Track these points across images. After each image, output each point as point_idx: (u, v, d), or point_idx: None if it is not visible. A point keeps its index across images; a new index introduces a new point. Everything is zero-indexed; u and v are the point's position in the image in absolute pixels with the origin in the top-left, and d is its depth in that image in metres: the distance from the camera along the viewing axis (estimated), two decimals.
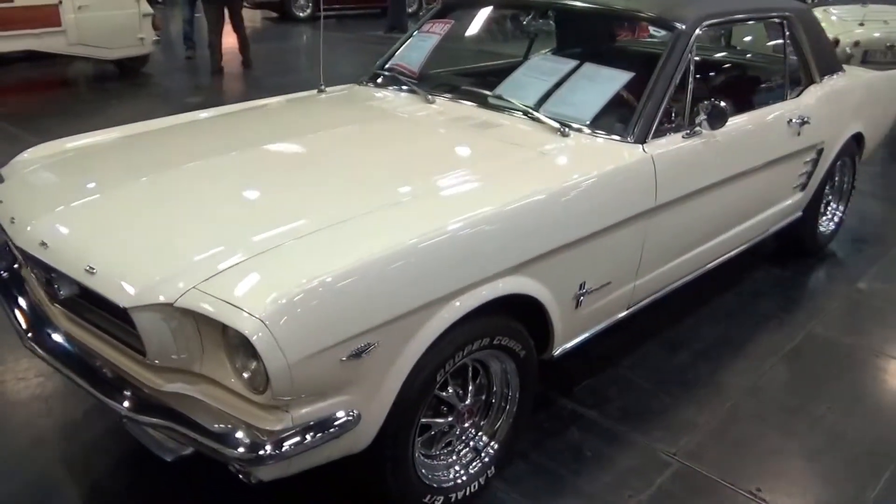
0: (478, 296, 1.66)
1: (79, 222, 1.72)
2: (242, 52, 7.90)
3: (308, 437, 1.44)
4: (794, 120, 2.79)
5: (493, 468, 1.94)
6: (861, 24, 6.36)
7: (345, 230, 1.58)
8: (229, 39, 7.79)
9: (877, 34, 6.22)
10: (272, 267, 1.46)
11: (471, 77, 2.93)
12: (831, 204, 3.62)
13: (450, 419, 1.85)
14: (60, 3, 6.35)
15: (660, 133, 2.20)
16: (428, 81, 2.63)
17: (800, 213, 3.23)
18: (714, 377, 2.55)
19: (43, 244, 1.65)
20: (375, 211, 1.66)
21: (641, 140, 2.12)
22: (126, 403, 1.60)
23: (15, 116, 5.77)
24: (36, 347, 1.80)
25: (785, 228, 3.19)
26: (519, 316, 1.87)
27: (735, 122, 2.48)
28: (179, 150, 2.15)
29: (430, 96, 2.47)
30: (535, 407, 2.20)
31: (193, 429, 1.49)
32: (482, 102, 2.40)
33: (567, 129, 2.14)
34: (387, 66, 2.78)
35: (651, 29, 2.93)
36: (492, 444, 1.95)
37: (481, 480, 1.92)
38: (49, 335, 1.82)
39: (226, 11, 7.44)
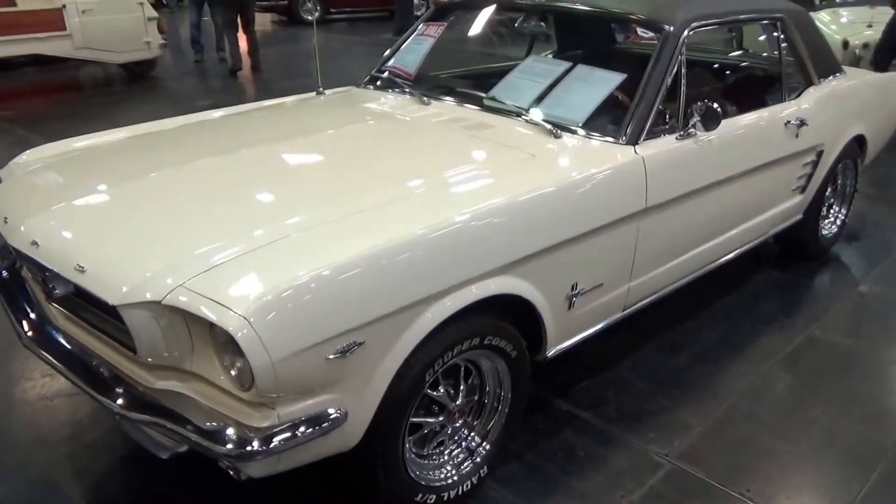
0: (465, 296, 1.68)
1: (70, 221, 1.75)
2: (252, 55, 7.97)
3: (295, 433, 1.45)
4: (791, 122, 2.78)
5: (485, 468, 1.95)
6: (870, 26, 6.33)
7: (333, 230, 1.60)
8: (240, 43, 7.88)
9: None
10: (259, 265, 1.48)
11: (466, 79, 2.95)
12: (833, 207, 3.59)
13: (441, 419, 1.86)
14: (64, 6, 6.44)
15: (653, 134, 2.20)
16: (424, 83, 2.65)
17: (800, 216, 3.21)
18: (711, 379, 2.55)
19: (34, 243, 1.68)
20: (363, 211, 1.68)
21: (633, 141, 2.13)
22: (120, 401, 1.62)
23: (23, 119, 5.87)
24: (33, 346, 1.83)
25: (786, 231, 3.17)
26: (511, 316, 1.88)
27: (730, 123, 2.48)
28: (173, 151, 2.19)
29: (425, 98, 2.49)
30: (530, 408, 2.21)
31: (183, 426, 1.51)
32: (477, 104, 2.42)
33: (559, 131, 2.15)
34: (384, 68, 2.80)
35: (639, 31, 2.93)
36: (484, 444, 1.96)
37: (474, 480, 1.93)
38: (46, 334, 1.85)
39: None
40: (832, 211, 3.58)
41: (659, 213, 2.19)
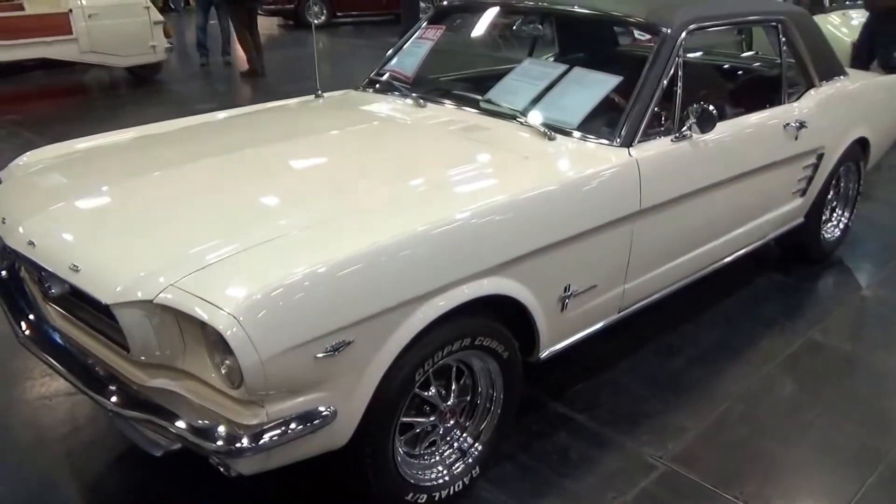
0: (456, 296, 1.68)
1: (67, 222, 1.78)
2: (257, 58, 8.04)
3: (283, 431, 1.47)
4: (790, 124, 2.77)
5: (477, 468, 1.95)
6: None
7: (323, 230, 1.62)
8: (245, 46, 7.94)
9: None
10: (251, 264, 1.50)
11: (464, 82, 2.96)
12: (836, 210, 3.57)
13: (432, 419, 1.87)
14: (71, 11, 6.51)
15: (648, 136, 2.20)
16: (422, 86, 2.66)
17: (801, 220, 3.20)
18: (708, 382, 2.54)
19: (31, 243, 1.70)
20: (354, 211, 1.69)
21: (628, 143, 2.13)
22: (113, 399, 1.64)
23: (30, 122, 5.93)
24: (29, 344, 1.86)
25: (787, 234, 3.16)
26: (503, 317, 1.89)
27: (727, 125, 2.48)
28: (171, 153, 2.21)
29: (421, 101, 2.50)
30: (524, 409, 2.22)
31: (174, 423, 1.52)
32: (473, 107, 2.43)
33: (554, 133, 2.15)
34: (382, 71, 2.82)
35: (636, 34, 2.93)
36: (476, 444, 1.96)
37: (465, 480, 1.93)
38: (43, 333, 1.88)
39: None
40: (835, 214, 3.56)
41: (654, 215, 2.19)
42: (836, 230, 3.56)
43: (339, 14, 12.76)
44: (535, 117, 2.25)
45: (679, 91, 2.27)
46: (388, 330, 1.58)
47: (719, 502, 1.98)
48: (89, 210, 1.84)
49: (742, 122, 2.62)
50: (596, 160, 2.06)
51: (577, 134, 2.18)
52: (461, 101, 2.49)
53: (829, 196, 3.37)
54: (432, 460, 1.90)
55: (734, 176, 2.52)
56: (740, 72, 3.52)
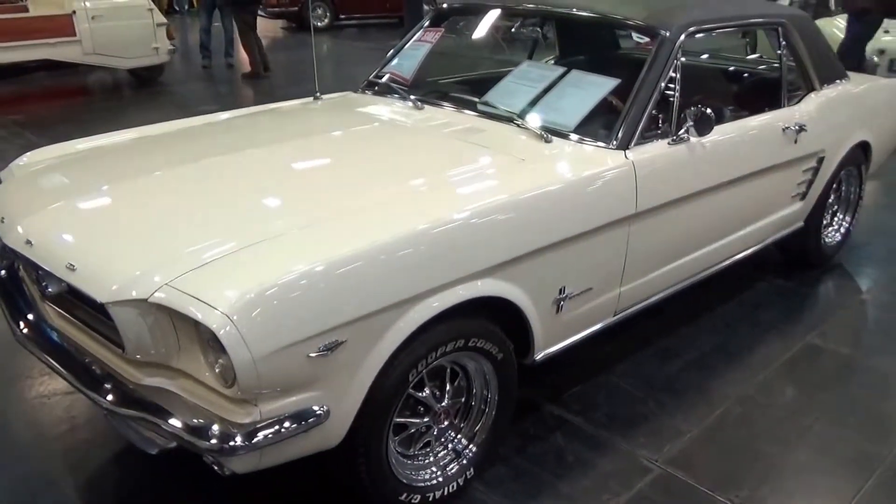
0: (450, 297, 1.69)
1: (65, 221, 1.79)
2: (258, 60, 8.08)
3: (276, 430, 1.47)
4: (790, 127, 2.76)
5: (471, 470, 1.95)
6: (886, 32, 6.27)
7: (318, 230, 1.63)
8: (246, 47, 7.97)
9: None
10: (245, 264, 1.51)
11: (463, 84, 2.96)
12: (837, 214, 3.56)
13: (426, 420, 1.87)
14: (74, 13, 6.54)
15: (646, 139, 2.20)
16: (420, 89, 2.67)
17: (801, 224, 3.19)
18: (705, 386, 2.53)
19: (28, 242, 1.72)
20: (349, 212, 1.70)
21: (624, 146, 2.13)
22: (109, 397, 1.65)
23: (32, 123, 5.96)
24: (27, 342, 1.87)
25: (787, 238, 3.15)
26: (499, 319, 1.89)
27: (725, 128, 2.48)
28: (169, 154, 2.22)
29: (419, 103, 2.51)
30: (520, 412, 2.22)
31: (168, 421, 1.53)
32: (470, 109, 2.43)
33: (550, 136, 2.15)
34: (381, 73, 2.82)
35: (634, 36, 2.94)
36: (471, 446, 1.96)
37: (460, 481, 1.93)
38: (40, 331, 1.89)
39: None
40: (836, 219, 3.55)
41: (650, 218, 2.19)
42: (837, 235, 3.55)
43: (342, 17, 12.79)
44: (532, 120, 2.25)
45: (677, 94, 2.27)
46: (382, 330, 1.59)
47: None
48: (88, 209, 1.86)
49: (740, 126, 2.61)
50: (592, 163, 2.06)
51: (573, 136, 2.18)
52: (459, 104, 2.50)
53: (830, 200, 3.36)
54: (426, 461, 1.90)
55: (732, 179, 2.51)
56: (740, 75, 3.52)
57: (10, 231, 1.80)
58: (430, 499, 1.87)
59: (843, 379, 2.66)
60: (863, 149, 3.37)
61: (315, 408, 1.52)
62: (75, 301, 1.77)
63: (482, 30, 3.01)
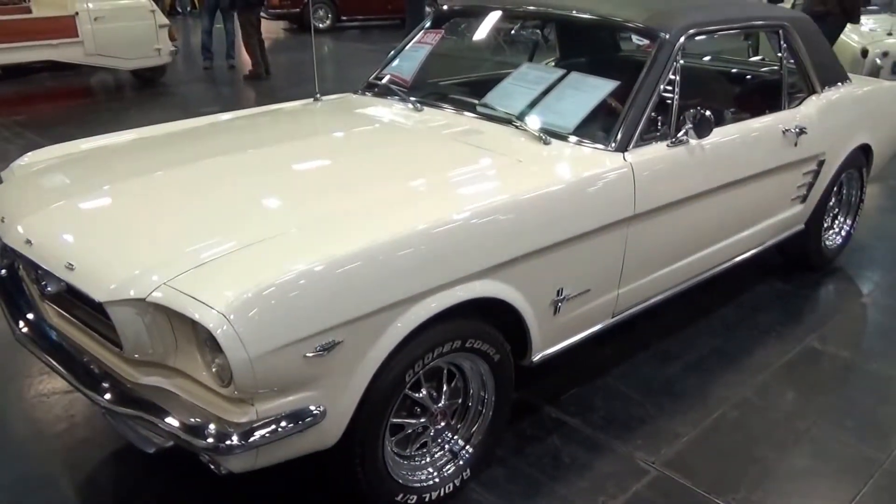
0: (447, 298, 1.69)
1: (65, 221, 1.79)
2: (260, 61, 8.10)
3: (273, 429, 1.48)
4: (790, 130, 2.76)
5: (468, 471, 1.96)
6: (890, 34, 6.26)
7: (316, 231, 1.63)
8: (249, 49, 7.99)
9: None
10: (243, 263, 1.51)
11: (463, 86, 2.97)
12: (838, 217, 3.56)
13: (423, 420, 1.87)
14: (77, 14, 6.56)
15: (645, 141, 2.20)
16: (419, 90, 2.68)
17: (801, 226, 3.19)
18: (703, 389, 2.53)
19: (28, 242, 1.72)
20: (347, 212, 1.71)
21: (623, 148, 2.13)
22: (107, 396, 1.66)
23: (34, 123, 5.98)
24: (25, 341, 1.88)
25: (787, 241, 3.14)
26: (496, 320, 1.89)
27: (724, 131, 2.48)
28: (170, 154, 2.23)
29: (418, 105, 2.52)
30: (518, 413, 2.22)
31: (165, 420, 1.54)
32: (469, 111, 2.44)
33: (548, 138, 2.16)
34: (381, 75, 2.83)
35: (634, 38, 2.94)
36: (467, 447, 1.97)
37: (456, 482, 1.93)
38: (39, 330, 1.90)
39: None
40: (836, 222, 3.55)
41: (649, 220, 2.19)
42: (838, 237, 3.54)
43: (344, 18, 12.80)
44: (531, 121, 2.26)
45: (676, 96, 2.27)
46: (378, 331, 1.59)
47: None
48: (88, 209, 1.86)
49: (740, 128, 2.61)
50: (590, 164, 2.07)
51: (572, 138, 2.18)
52: (458, 105, 2.50)
53: (831, 203, 3.36)
54: (423, 462, 1.91)
55: (731, 182, 2.51)
56: (740, 77, 3.52)
57: (10, 230, 1.81)
58: (427, 499, 1.87)
59: (842, 382, 2.66)
60: (864, 152, 3.36)
61: (311, 408, 1.53)
62: (74, 300, 1.78)
63: (483, 31, 3.01)
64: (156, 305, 1.48)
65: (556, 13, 2.78)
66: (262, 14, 8.07)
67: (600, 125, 2.26)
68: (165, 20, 7.29)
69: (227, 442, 1.45)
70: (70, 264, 1.61)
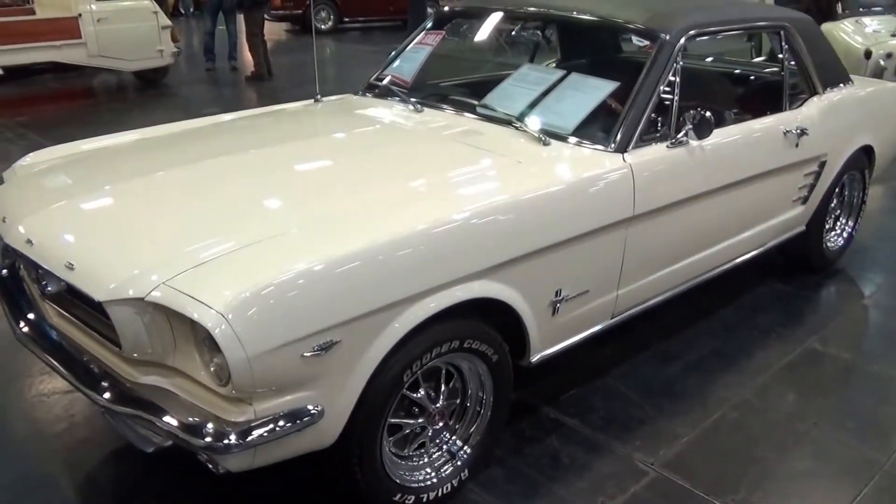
0: (445, 299, 1.69)
1: (65, 221, 1.80)
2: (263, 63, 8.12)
3: (271, 429, 1.48)
4: (791, 131, 2.76)
5: (466, 471, 1.96)
6: (894, 35, 6.22)
7: (315, 230, 1.64)
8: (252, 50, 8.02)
9: None
10: (243, 263, 1.52)
11: (463, 87, 2.97)
12: (840, 219, 3.55)
13: (421, 420, 1.87)
14: (80, 15, 6.58)
15: (644, 142, 2.20)
16: (420, 91, 2.68)
17: (802, 228, 3.18)
18: (702, 390, 2.53)
19: (28, 241, 1.73)
20: (346, 212, 1.71)
21: (622, 149, 2.13)
22: (106, 395, 1.66)
23: (37, 124, 6.00)
24: (26, 340, 1.88)
25: (788, 243, 3.14)
26: (494, 321, 1.89)
27: (724, 132, 2.48)
28: (171, 155, 2.24)
29: (418, 106, 2.52)
30: (517, 414, 2.22)
31: (163, 419, 1.54)
32: (469, 112, 2.44)
33: (548, 138, 2.16)
34: (381, 76, 2.84)
35: (634, 39, 2.94)
36: (465, 447, 1.97)
37: (454, 483, 1.93)
38: (40, 330, 1.90)
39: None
40: (838, 223, 3.53)
41: (648, 221, 2.19)
42: (840, 239, 3.53)
43: (346, 19, 12.82)
44: (531, 122, 2.26)
45: (676, 97, 2.27)
46: (376, 331, 1.59)
47: None
48: (88, 209, 1.87)
49: (740, 129, 2.61)
50: (590, 165, 2.07)
51: (572, 139, 2.18)
52: (458, 106, 2.50)
53: (833, 204, 3.35)
54: (421, 462, 1.91)
55: (731, 183, 2.51)
56: (741, 78, 3.52)
57: (11, 230, 1.82)
58: (425, 500, 1.87)
59: (843, 384, 2.65)
60: (866, 153, 3.36)
61: (309, 407, 1.53)
62: (74, 300, 1.78)
63: (484, 33, 3.02)
64: (155, 305, 1.48)
65: (556, 14, 2.79)
66: (265, 15, 8.10)
67: (600, 126, 2.26)
68: (168, 22, 7.31)
69: (225, 441, 1.45)
70: (70, 264, 1.61)
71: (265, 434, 1.47)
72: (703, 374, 2.62)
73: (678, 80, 2.29)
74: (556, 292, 2.00)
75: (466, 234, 1.73)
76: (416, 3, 8.46)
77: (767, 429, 2.33)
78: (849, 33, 6.24)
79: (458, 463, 1.94)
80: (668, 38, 2.32)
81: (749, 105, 2.98)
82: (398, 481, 1.83)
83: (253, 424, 1.47)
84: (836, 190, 3.29)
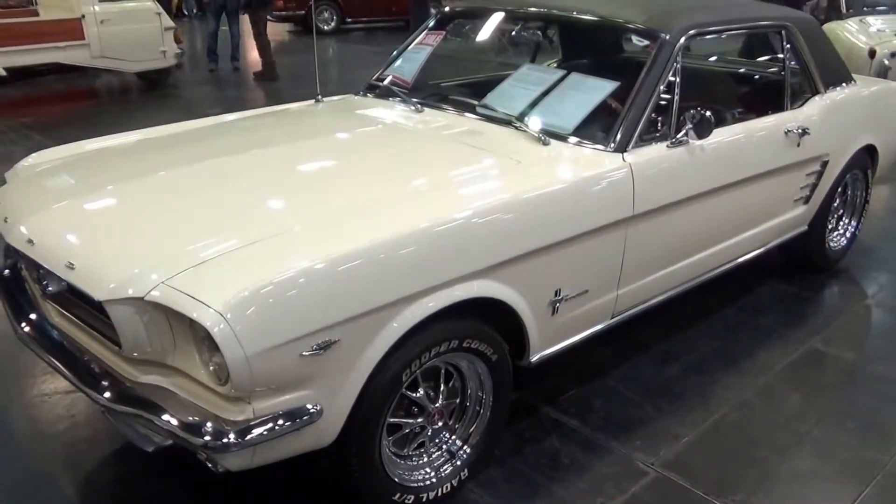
0: (444, 298, 1.69)
1: (67, 221, 1.81)
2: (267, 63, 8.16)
3: (269, 428, 1.48)
4: (792, 131, 2.75)
5: (465, 471, 1.96)
6: None
7: (315, 230, 1.64)
8: (253, 53, 8.04)
9: None
10: (242, 262, 1.52)
11: (463, 87, 2.97)
12: (843, 219, 3.53)
13: (420, 420, 1.87)
14: (83, 17, 6.61)
15: (644, 142, 2.20)
16: (420, 91, 2.68)
17: (804, 228, 3.17)
18: (703, 390, 2.52)
19: (30, 241, 1.74)
20: (346, 212, 1.71)
21: (622, 149, 2.13)
22: (106, 394, 1.67)
23: (40, 125, 6.02)
24: (26, 340, 1.89)
25: (791, 243, 3.13)
26: (494, 320, 1.89)
27: (725, 132, 2.47)
28: (170, 155, 2.24)
29: (418, 106, 2.52)
30: (516, 414, 2.22)
31: (163, 418, 1.54)
32: (469, 112, 2.44)
33: (548, 138, 2.16)
34: (382, 76, 2.84)
35: (634, 38, 2.94)
36: (465, 447, 1.97)
37: (454, 482, 1.93)
38: (41, 330, 1.91)
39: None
40: (841, 223, 3.52)
41: (648, 220, 2.18)
42: (843, 239, 3.52)
43: (348, 20, 12.83)
44: (531, 122, 2.26)
45: (676, 96, 2.27)
46: (375, 330, 1.60)
47: None
48: (89, 209, 1.87)
49: (741, 129, 2.60)
50: (589, 165, 2.07)
51: (572, 139, 2.18)
52: (458, 106, 2.50)
53: (835, 204, 3.34)
54: (420, 461, 1.91)
55: (731, 183, 2.50)
56: (742, 78, 3.51)
57: (13, 230, 1.82)
58: (424, 499, 1.87)
59: (845, 384, 2.64)
60: (869, 153, 3.34)
61: (308, 406, 1.53)
62: (75, 300, 1.79)
63: (486, 33, 3.02)
64: (154, 304, 1.49)
65: (557, 14, 2.79)
66: (268, 16, 8.14)
67: (600, 126, 2.26)
68: (171, 23, 7.33)
69: (224, 440, 1.46)
70: (70, 263, 1.62)
71: (264, 433, 1.47)
72: (704, 375, 2.61)
73: (678, 79, 2.29)
74: (556, 292, 2.00)
75: (466, 234, 1.73)
76: (418, 3, 8.46)
77: (769, 429, 2.32)
78: (853, 33, 6.22)
79: (458, 463, 1.94)
80: (668, 37, 2.32)
81: (750, 104, 2.98)
82: (397, 481, 1.83)
83: (252, 423, 1.47)
84: (839, 190, 3.28)
